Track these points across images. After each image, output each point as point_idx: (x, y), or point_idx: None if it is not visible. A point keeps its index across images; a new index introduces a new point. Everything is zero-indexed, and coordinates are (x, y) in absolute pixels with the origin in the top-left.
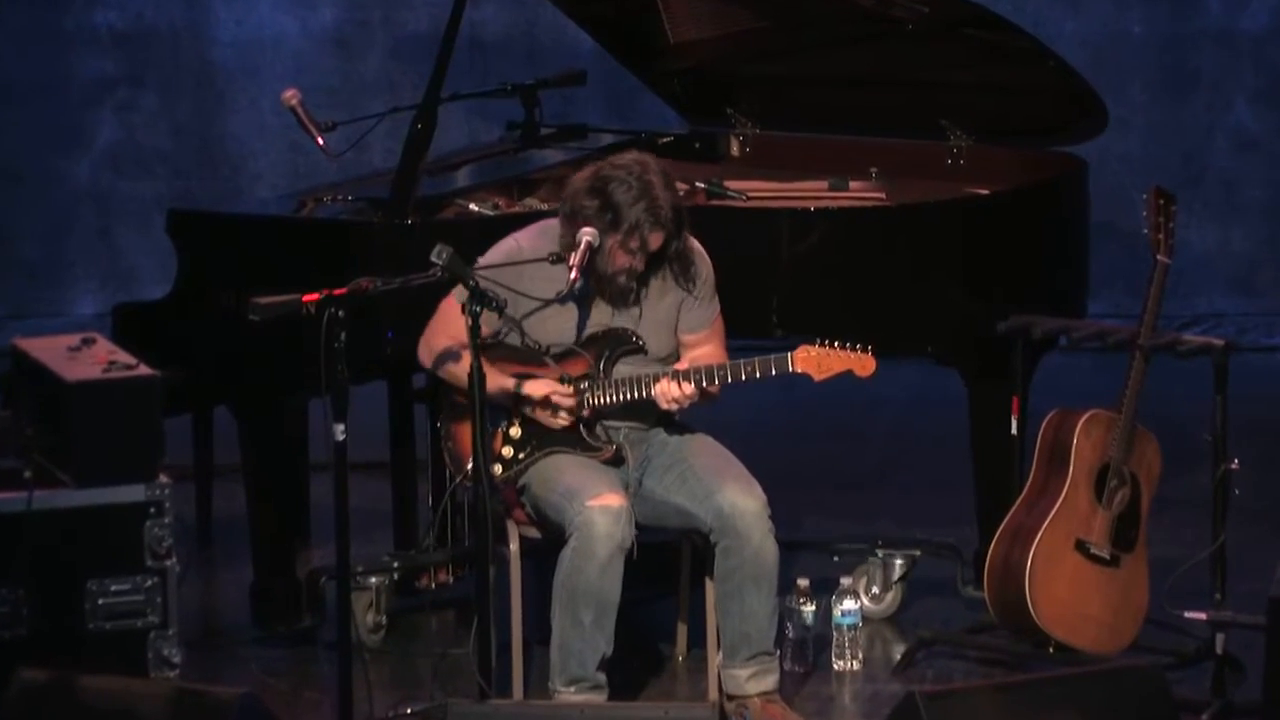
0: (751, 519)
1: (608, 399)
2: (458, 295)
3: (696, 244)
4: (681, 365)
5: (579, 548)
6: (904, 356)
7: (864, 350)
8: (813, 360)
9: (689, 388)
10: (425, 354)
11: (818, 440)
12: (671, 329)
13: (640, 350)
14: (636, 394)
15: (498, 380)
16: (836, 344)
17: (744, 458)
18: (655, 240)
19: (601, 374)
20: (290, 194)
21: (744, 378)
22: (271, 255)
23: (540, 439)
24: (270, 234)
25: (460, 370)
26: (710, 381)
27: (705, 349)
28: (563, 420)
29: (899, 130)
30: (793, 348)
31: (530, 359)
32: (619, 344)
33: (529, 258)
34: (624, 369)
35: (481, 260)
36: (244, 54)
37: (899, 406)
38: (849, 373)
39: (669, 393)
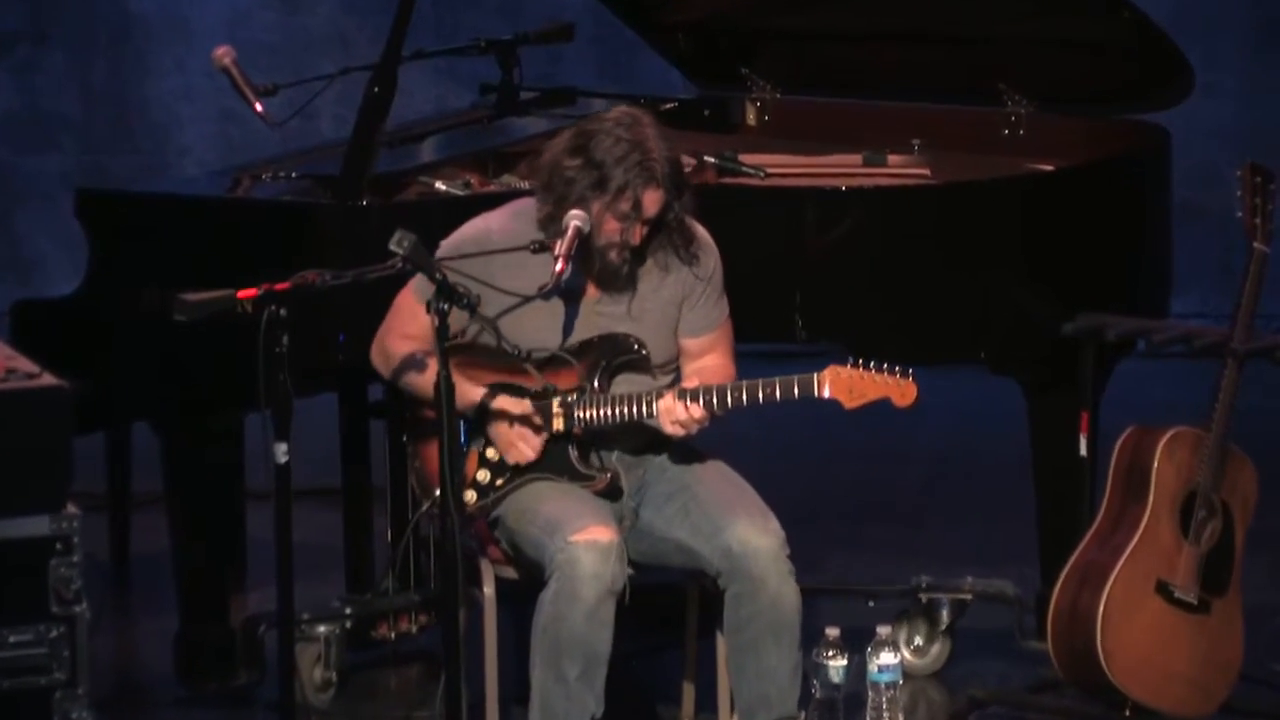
0: (766, 560)
1: (601, 417)
2: (417, 288)
3: (701, 231)
4: (690, 381)
5: (561, 590)
6: (952, 364)
7: (904, 375)
8: (844, 384)
9: (699, 410)
10: (380, 359)
11: (847, 463)
12: (671, 329)
13: (643, 361)
14: (635, 413)
15: (465, 392)
16: (872, 366)
17: (758, 485)
18: (650, 201)
19: (596, 388)
20: (223, 170)
21: (762, 400)
22: (201, 244)
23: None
24: (199, 218)
25: (423, 380)
26: (723, 404)
27: (710, 359)
28: (528, 453)
29: (946, 94)
30: (820, 366)
31: (509, 366)
32: (618, 353)
33: (500, 245)
34: (622, 383)
35: (444, 245)
36: (168, 4)
37: (946, 423)
38: (886, 400)
39: (674, 414)
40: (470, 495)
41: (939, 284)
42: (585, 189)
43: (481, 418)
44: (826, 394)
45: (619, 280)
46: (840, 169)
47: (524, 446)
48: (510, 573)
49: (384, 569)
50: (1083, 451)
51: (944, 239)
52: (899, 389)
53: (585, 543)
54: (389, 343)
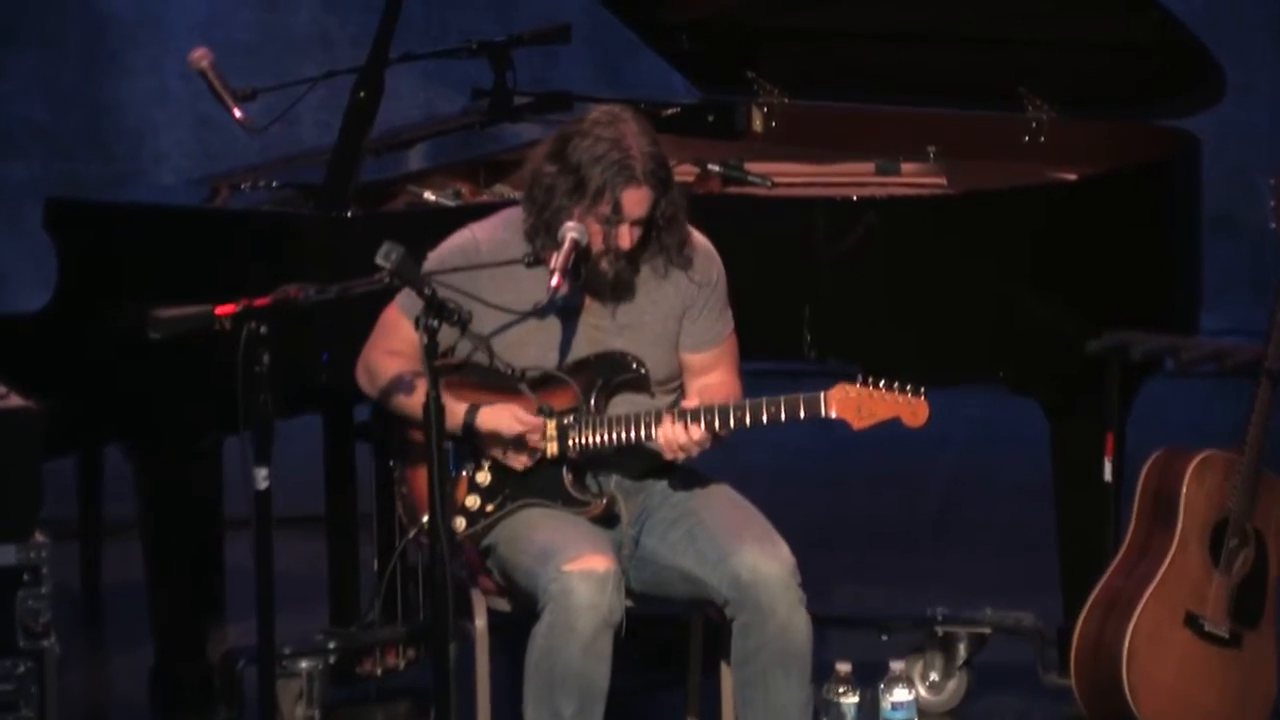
0: (777, 588)
1: (598, 439)
2: (403, 302)
3: (701, 238)
4: (690, 401)
5: (555, 622)
6: (970, 384)
7: (915, 393)
8: (852, 403)
9: (699, 432)
10: (365, 377)
11: (860, 488)
12: (671, 344)
13: (642, 380)
14: (633, 436)
15: (452, 410)
16: (882, 384)
17: (768, 510)
18: (632, 201)
19: (592, 408)
20: (200, 179)
21: (766, 420)
22: (176, 257)
23: (515, 488)
24: (175, 230)
25: (411, 400)
26: (724, 424)
27: (714, 376)
28: (522, 460)
29: (964, 99)
30: (828, 385)
31: (501, 386)
32: (615, 372)
33: (488, 257)
34: (621, 403)
35: (430, 258)
36: (142, 3)
37: (963, 446)
38: (897, 420)
39: (675, 437)
40: (460, 522)
41: (956, 299)
42: (564, 195)
43: (471, 439)
44: (834, 414)
45: (613, 291)
46: (852, 178)
47: (522, 457)
48: (503, 604)
49: (370, 601)
50: (1107, 476)
51: (961, 252)
52: (910, 408)
53: (580, 572)
54: (374, 359)
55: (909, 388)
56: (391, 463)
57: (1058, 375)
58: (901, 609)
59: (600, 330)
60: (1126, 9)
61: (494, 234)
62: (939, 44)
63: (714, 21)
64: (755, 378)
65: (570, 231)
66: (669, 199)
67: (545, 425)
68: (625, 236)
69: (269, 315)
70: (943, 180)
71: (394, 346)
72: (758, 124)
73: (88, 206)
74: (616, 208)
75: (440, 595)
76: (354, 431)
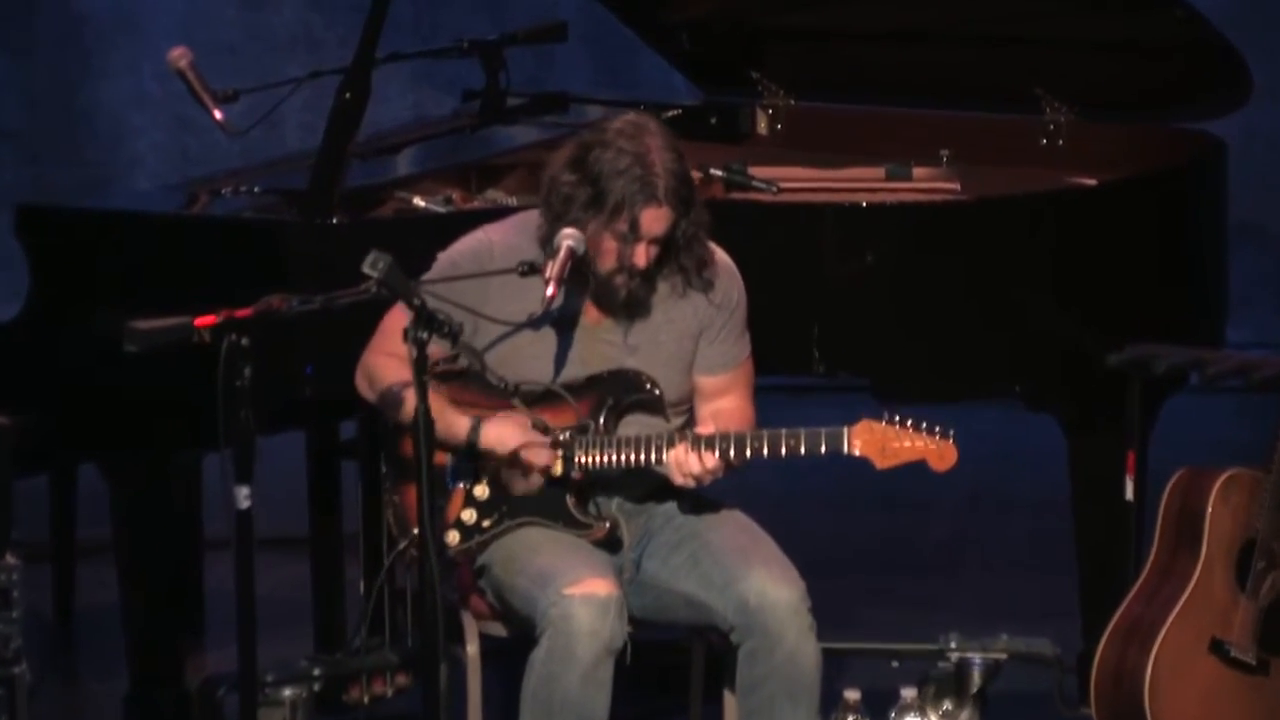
0: (785, 613)
1: (606, 460)
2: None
3: (723, 256)
4: (705, 426)
5: (554, 649)
6: (985, 398)
7: (944, 436)
8: (876, 442)
9: (713, 460)
10: (365, 382)
11: (871, 509)
12: (686, 365)
13: (656, 402)
14: (642, 457)
15: (453, 422)
16: (910, 423)
17: (775, 533)
18: (651, 220)
19: (601, 427)
20: (179, 184)
21: (784, 453)
22: (154, 266)
23: (514, 505)
24: (152, 237)
25: (408, 403)
26: (740, 454)
27: (727, 400)
28: (527, 481)
29: (978, 100)
30: (841, 400)
31: (496, 400)
32: (629, 391)
33: (501, 262)
34: (630, 424)
35: (441, 259)
36: (119, 1)
37: (978, 465)
38: (923, 462)
39: (687, 464)
40: (453, 536)
41: (970, 311)
42: (581, 207)
43: (474, 454)
44: (857, 452)
45: (625, 307)
46: (861, 183)
47: (530, 478)
48: (497, 628)
49: (356, 625)
50: (1129, 495)
51: (976, 261)
52: (938, 451)
53: (581, 596)
54: (373, 363)
55: (937, 429)
56: (384, 471)
57: (1077, 390)
58: (913, 635)
59: (610, 346)
60: (1149, 6)
61: (508, 238)
62: (953, 43)
63: (716, 19)
64: (761, 393)
65: (566, 240)
66: (690, 219)
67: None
68: (642, 255)
69: (250, 327)
70: (956, 185)
71: (395, 349)
72: (762, 127)
73: (60, 213)
74: (634, 226)
75: (430, 619)
76: (339, 449)
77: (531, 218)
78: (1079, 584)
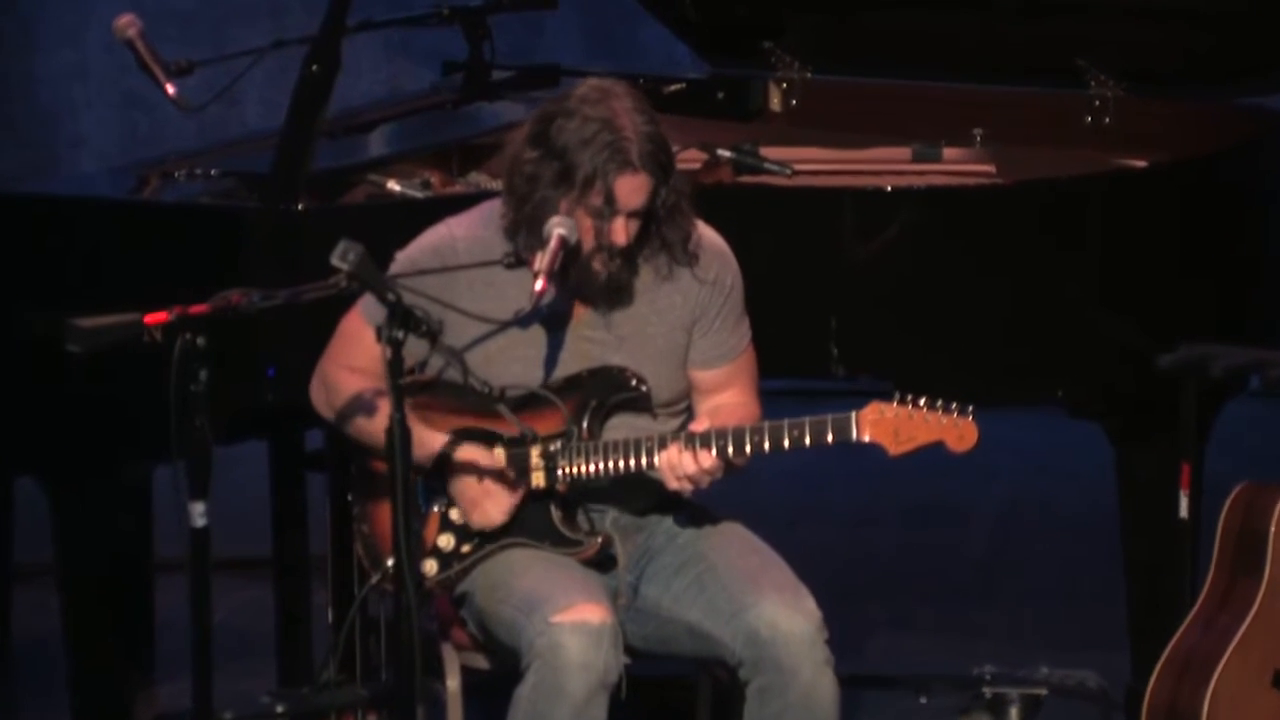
0: (799, 645)
1: (591, 469)
2: (366, 310)
3: (714, 238)
4: (699, 424)
5: (542, 683)
6: (1023, 404)
7: (961, 413)
8: (888, 425)
9: (709, 459)
10: (321, 395)
11: (894, 526)
12: (679, 359)
13: (643, 399)
14: (632, 464)
15: (424, 440)
16: (923, 403)
17: (786, 552)
18: (627, 189)
19: (584, 433)
20: (126, 166)
21: (788, 445)
22: (99, 257)
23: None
24: (97, 225)
25: (374, 425)
26: (739, 450)
27: (728, 395)
28: (494, 515)
29: (1015, 73)
30: (859, 403)
31: (478, 408)
32: (612, 390)
33: (466, 258)
34: (618, 427)
35: (399, 258)
36: None
37: (1015, 477)
38: (940, 444)
39: (681, 466)
40: (430, 565)
41: (1006, 307)
42: (549, 185)
43: (443, 471)
44: (866, 438)
45: (607, 295)
46: (885, 165)
47: (490, 507)
48: (479, 661)
49: (324, 657)
50: (1183, 512)
51: (1012, 252)
52: (955, 430)
53: (572, 624)
54: (332, 376)
55: (954, 407)
56: (350, 496)
57: (1125, 395)
58: (944, 667)
59: (594, 343)
60: None
61: (473, 231)
62: (988, 10)
63: None
64: (772, 398)
65: (557, 228)
66: (670, 186)
67: (529, 453)
68: (621, 231)
69: (206, 325)
70: (991, 168)
71: (355, 361)
72: (775, 102)
73: None
74: (610, 198)
75: (406, 651)
76: (305, 460)
77: (497, 208)
78: (1128, 611)
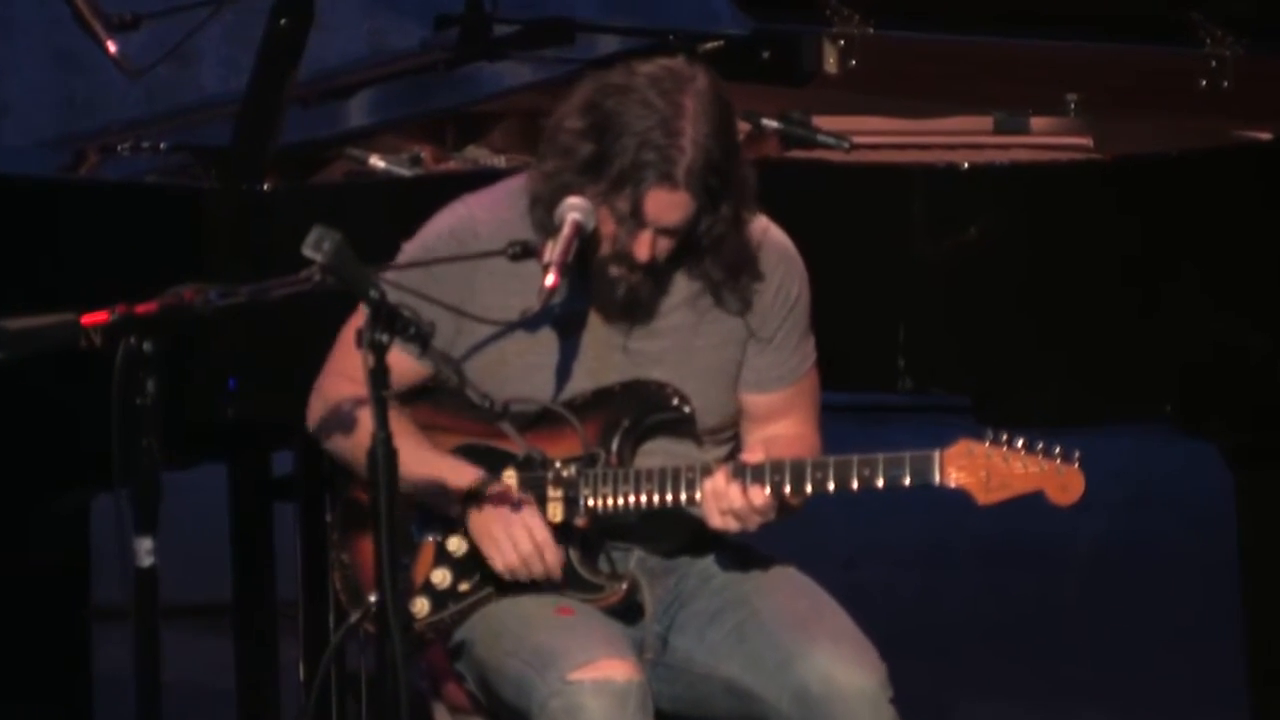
0: (859, 703)
1: (620, 502)
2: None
3: (780, 239)
4: (753, 454)
5: None
6: (1122, 422)
7: (1066, 459)
8: (978, 469)
9: (761, 496)
10: (317, 413)
11: (971, 567)
12: (729, 379)
13: (685, 422)
14: (668, 497)
15: (423, 462)
16: (1020, 443)
17: (846, 600)
18: (659, 206)
19: (613, 458)
20: (61, 138)
21: (856, 486)
22: (27, 245)
23: None
24: (25, 208)
25: (357, 444)
26: (798, 488)
27: (785, 425)
28: (535, 564)
29: (1116, 29)
30: (931, 425)
31: (481, 423)
32: (649, 409)
33: (487, 244)
34: (653, 453)
35: (412, 245)
36: None
37: (1114, 506)
38: (1039, 494)
39: (728, 498)
40: (421, 604)
41: (1104, 306)
42: (578, 167)
43: (444, 501)
44: (951, 483)
45: (624, 308)
46: (962, 138)
47: (527, 546)
48: None
49: (295, 717)
50: None
51: (1111, 240)
52: (1058, 479)
53: (593, 683)
54: (327, 386)
55: (1058, 451)
56: (329, 519)
57: (1246, 409)
58: None
59: (629, 353)
60: None
61: (496, 211)
62: None
63: None
64: (827, 415)
65: (571, 212)
66: (720, 217)
67: (545, 480)
68: (645, 247)
69: (155, 326)
70: (1088, 141)
71: (353, 371)
72: (831, 64)
73: None
74: (636, 209)
75: (391, 710)
76: (273, 488)
77: (523, 184)
78: (1248, 660)
